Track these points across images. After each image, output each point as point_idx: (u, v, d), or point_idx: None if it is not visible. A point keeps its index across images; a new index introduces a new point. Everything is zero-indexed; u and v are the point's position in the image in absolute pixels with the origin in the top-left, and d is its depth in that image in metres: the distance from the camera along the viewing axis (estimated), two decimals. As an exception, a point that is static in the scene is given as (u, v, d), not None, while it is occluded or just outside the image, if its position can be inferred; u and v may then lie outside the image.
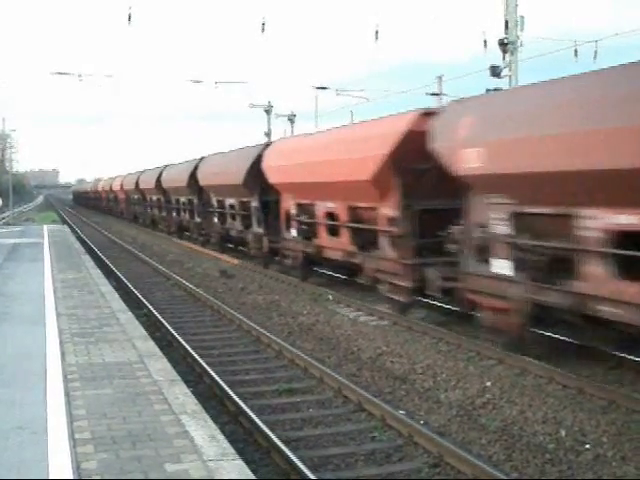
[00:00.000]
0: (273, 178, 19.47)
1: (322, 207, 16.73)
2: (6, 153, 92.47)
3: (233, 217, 24.44)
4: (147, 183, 40.65)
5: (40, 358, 8.35)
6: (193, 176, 28.61)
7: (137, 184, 44.02)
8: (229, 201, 24.60)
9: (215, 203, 26.48)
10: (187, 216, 32.05)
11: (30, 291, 13.92)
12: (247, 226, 22.71)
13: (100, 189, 71.25)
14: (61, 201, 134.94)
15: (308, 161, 16.84)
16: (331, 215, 16.38)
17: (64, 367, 7.94)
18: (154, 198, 39.89)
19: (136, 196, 46.36)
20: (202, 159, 28.74)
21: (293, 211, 18.54)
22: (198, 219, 29.84)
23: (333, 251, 16.35)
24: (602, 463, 6.97)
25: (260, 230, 21.33)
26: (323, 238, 16.88)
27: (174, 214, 34.92)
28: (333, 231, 16.36)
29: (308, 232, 17.81)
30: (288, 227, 18.98)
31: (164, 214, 37.62)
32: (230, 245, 26.76)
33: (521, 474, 6.86)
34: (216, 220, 26.49)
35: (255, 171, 20.65)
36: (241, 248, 25.46)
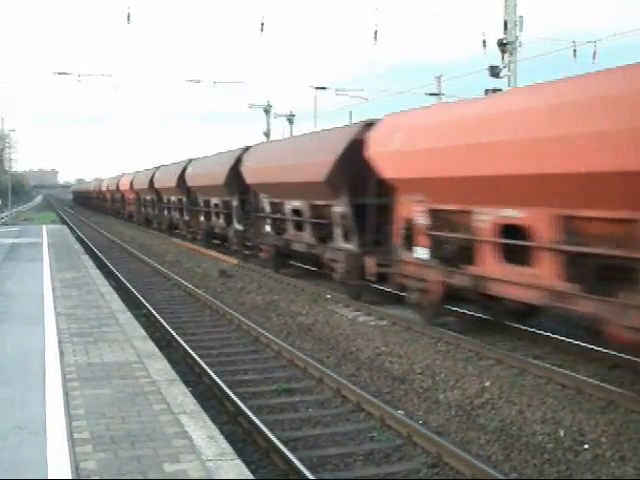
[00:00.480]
0: (388, 171, 13.16)
1: (491, 216, 10.66)
2: (5, 153, 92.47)
3: (298, 226, 18.41)
4: (165, 181, 34.98)
5: (39, 358, 8.35)
6: (233, 172, 23.05)
7: (151, 183, 38.36)
8: (292, 204, 18.52)
9: (267, 207, 20.73)
10: (222, 221, 25.84)
11: (29, 291, 13.92)
12: (324, 239, 16.84)
13: (104, 189, 65.33)
14: (60, 201, 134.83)
15: (474, 142, 10.62)
16: (513, 230, 10.28)
17: (63, 367, 7.94)
18: (173, 199, 34.20)
19: (149, 197, 40.72)
20: (247, 150, 23.07)
21: (421, 220, 12.56)
22: (239, 226, 23.86)
23: (515, 288, 10.27)
24: (601, 463, 6.97)
25: (351, 246, 15.30)
26: (491, 265, 10.81)
27: (201, 218, 28.87)
28: (516, 256, 10.30)
29: (454, 254, 11.85)
30: (409, 244, 12.96)
31: (187, 218, 31.62)
32: (289, 260, 20.89)
33: (520, 474, 6.87)
34: (269, 229, 20.58)
35: (345, 162, 14.98)
36: (310, 267, 20.28)
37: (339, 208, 15.64)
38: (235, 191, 23.65)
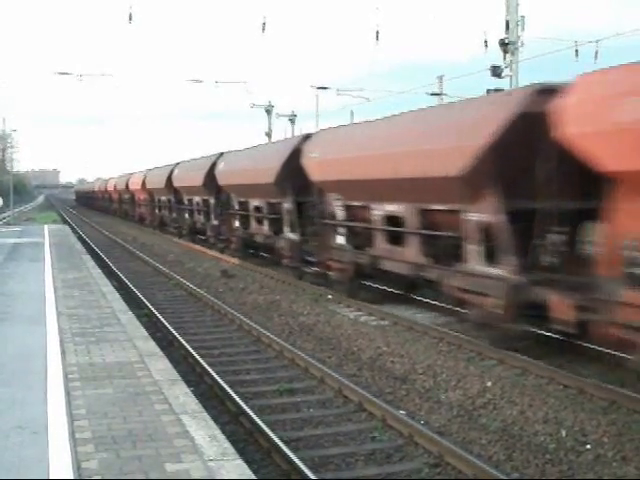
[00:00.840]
0: (608, 158, 8.46)
1: None
2: (7, 153, 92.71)
3: (394, 239, 13.73)
4: (187, 180, 30.16)
5: (41, 358, 8.35)
6: (287, 168, 18.45)
7: (169, 181, 33.55)
8: (385, 209, 13.88)
9: (340, 212, 15.98)
10: (265, 229, 21.06)
11: (31, 291, 13.93)
12: (438, 257, 12.31)
13: (111, 188, 60.47)
14: (62, 201, 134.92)
15: None
16: None
17: (65, 366, 7.95)
18: (197, 200, 29.23)
19: (164, 197, 36.31)
20: (309, 138, 18.20)
21: None
22: (293, 235, 18.76)
23: None
24: (603, 463, 6.97)
25: (501, 271, 10.55)
26: None
27: (236, 224, 23.78)
28: None
29: None
30: (637, 277, 8.34)
31: (215, 223, 26.72)
32: (367, 283, 16.15)
33: (522, 474, 6.86)
34: (342, 240, 15.93)
35: (499, 149, 10.26)
36: (405, 293, 15.51)
37: (477, 215, 11.00)
38: (288, 191, 18.70)
